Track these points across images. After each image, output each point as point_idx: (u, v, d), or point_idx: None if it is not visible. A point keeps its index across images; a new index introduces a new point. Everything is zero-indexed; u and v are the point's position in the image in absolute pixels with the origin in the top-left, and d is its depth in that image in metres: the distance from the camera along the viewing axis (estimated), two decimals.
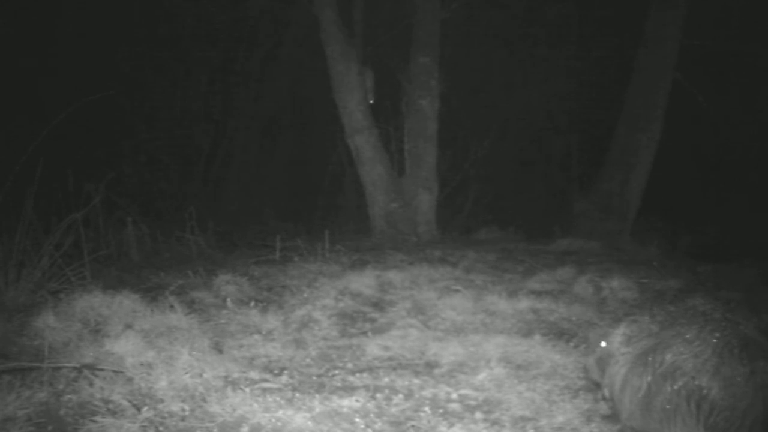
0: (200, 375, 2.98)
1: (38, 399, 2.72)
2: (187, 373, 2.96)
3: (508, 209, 10.30)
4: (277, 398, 2.83)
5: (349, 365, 3.36)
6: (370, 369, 3.28)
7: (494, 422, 2.68)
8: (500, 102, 10.78)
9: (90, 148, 8.21)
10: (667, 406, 2.22)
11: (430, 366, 3.33)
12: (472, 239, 7.99)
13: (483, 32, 10.35)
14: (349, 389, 3.00)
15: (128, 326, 3.54)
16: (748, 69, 8.59)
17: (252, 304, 4.34)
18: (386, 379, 3.13)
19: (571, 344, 3.62)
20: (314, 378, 3.15)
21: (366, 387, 3.02)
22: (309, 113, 11.38)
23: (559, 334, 3.84)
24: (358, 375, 3.19)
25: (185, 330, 3.55)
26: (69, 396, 2.77)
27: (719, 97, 8.05)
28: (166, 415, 2.63)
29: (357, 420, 2.68)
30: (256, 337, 3.71)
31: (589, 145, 9.90)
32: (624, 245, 7.18)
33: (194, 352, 3.17)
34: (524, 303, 4.33)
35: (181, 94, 10.45)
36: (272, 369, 3.26)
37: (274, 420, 2.63)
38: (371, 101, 7.73)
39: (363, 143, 7.56)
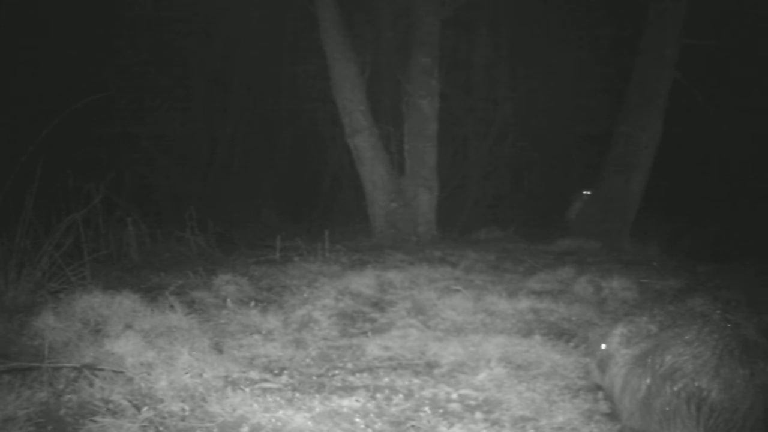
0: (200, 375, 2.98)
1: (38, 399, 2.72)
2: (187, 373, 2.96)
3: (508, 209, 10.31)
4: (277, 398, 2.83)
5: (349, 365, 3.36)
6: (370, 369, 3.28)
7: (494, 422, 2.68)
8: (500, 102, 10.79)
9: (90, 148, 8.21)
10: (667, 408, 2.22)
11: (430, 366, 3.33)
12: (472, 239, 7.99)
13: (483, 32, 10.37)
14: (349, 389, 3.00)
15: (128, 326, 3.54)
16: (748, 68, 8.59)
17: (252, 304, 4.34)
18: (386, 379, 3.13)
19: (571, 344, 3.62)
20: (314, 378, 3.15)
21: (366, 387, 3.02)
22: (309, 113, 11.38)
23: (559, 334, 3.84)
24: (358, 375, 3.20)
25: (185, 330, 3.55)
26: (69, 396, 2.77)
27: (719, 96, 8.05)
28: (166, 415, 2.63)
29: (357, 420, 2.68)
30: (256, 337, 3.71)
31: (589, 145, 9.91)
32: (624, 245, 7.19)
33: (194, 352, 3.16)
34: (524, 303, 4.33)
35: (181, 93, 10.46)
36: (272, 369, 3.26)
37: (274, 420, 2.63)
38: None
39: (363, 143, 7.57)
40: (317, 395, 2.89)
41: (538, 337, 3.69)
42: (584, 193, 8.07)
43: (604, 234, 7.31)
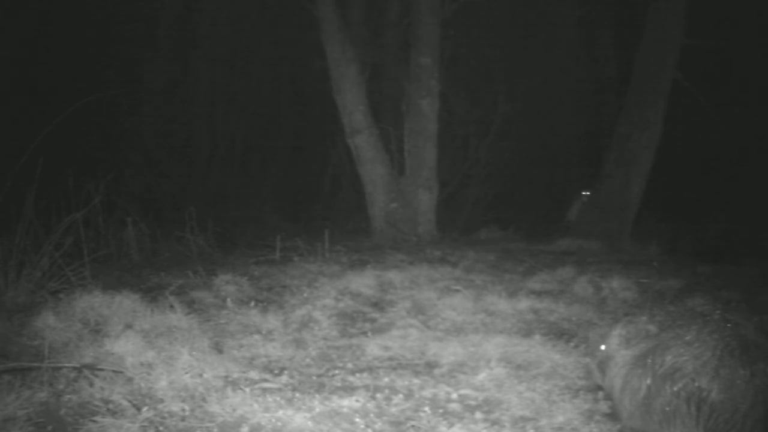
0: (200, 375, 2.98)
1: (38, 399, 2.72)
2: (187, 373, 2.96)
3: (508, 209, 10.31)
4: (277, 398, 2.83)
5: (349, 365, 3.36)
6: (370, 369, 3.28)
7: (494, 422, 2.68)
8: (500, 102, 10.79)
9: (90, 148, 8.21)
10: (667, 408, 2.22)
11: (430, 366, 3.33)
12: (472, 239, 7.99)
13: (483, 32, 10.36)
14: (349, 389, 3.00)
15: (128, 326, 3.54)
16: (748, 69, 8.60)
17: (252, 304, 4.34)
18: (386, 379, 3.13)
19: (571, 344, 3.62)
20: (314, 378, 3.15)
21: (366, 387, 3.02)
22: (309, 113, 11.38)
23: (559, 334, 3.84)
24: (358, 375, 3.20)
25: (185, 330, 3.55)
26: (69, 396, 2.77)
27: (719, 97, 8.05)
28: (166, 415, 2.63)
29: (357, 420, 2.68)
30: (256, 337, 3.71)
31: (589, 145, 9.91)
32: (624, 245, 7.19)
33: (194, 352, 3.16)
34: (524, 303, 4.33)
35: (181, 93, 10.46)
36: (272, 369, 3.26)
37: (274, 420, 2.63)
38: None
39: (363, 143, 7.57)
40: (317, 395, 2.89)
41: (538, 337, 3.69)
42: (584, 193, 8.07)
43: (604, 234, 7.31)
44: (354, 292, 4.64)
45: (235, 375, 3.09)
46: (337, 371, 3.26)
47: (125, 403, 2.69)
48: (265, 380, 3.07)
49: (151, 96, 10.08)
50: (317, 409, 2.74)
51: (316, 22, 7.56)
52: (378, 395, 2.92)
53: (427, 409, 2.80)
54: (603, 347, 2.69)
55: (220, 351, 3.41)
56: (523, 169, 11.35)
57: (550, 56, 10.92)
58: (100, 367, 2.95)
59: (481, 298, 4.41)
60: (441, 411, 2.79)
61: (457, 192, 10.17)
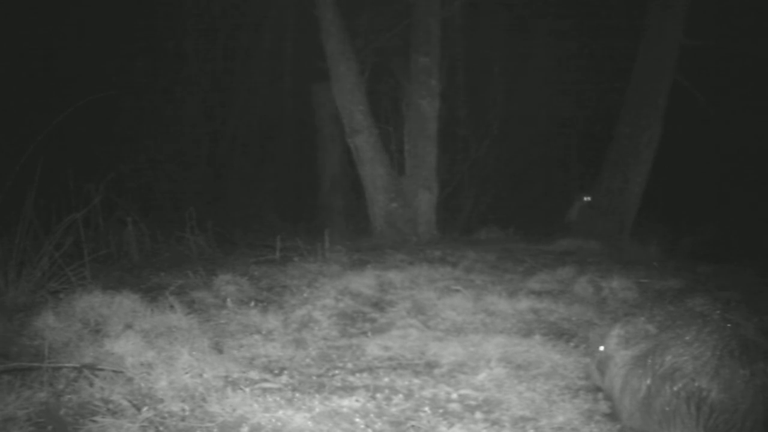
0: (200, 375, 2.98)
1: (38, 399, 2.72)
2: (187, 373, 2.96)
3: (508, 209, 10.32)
4: (277, 398, 2.83)
5: (349, 365, 3.36)
6: (370, 369, 3.28)
7: (494, 422, 2.68)
8: (500, 102, 10.79)
9: (90, 148, 8.22)
10: (667, 408, 2.23)
11: (430, 366, 3.33)
12: (472, 239, 7.99)
13: (483, 32, 10.37)
14: (349, 389, 3.00)
15: (128, 326, 3.54)
16: (748, 69, 8.60)
17: (252, 304, 4.34)
18: (386, 379, 3.13)
19: (571, 344, 3.62)
20: (314, 378, 3.15)
21: (366, 387, 3.02)
22: (309, 113, 11.37)
23: (559, 334, 3.84)
24: (358, 375, 3.20)
25: (185, 330, 3.55)
26: (69, 396, 2.77)
27: (719, 97, 8.05)
28: (166, 415, 2.63)
29: (357, 420, 2.68)
30: (256, 337, 3.71)
31: (589, 145, 9.91)
32: (624, 245, 7.19)
33: (194, 352, 3.16)
34: (524, 303, 4.33)
35: (181, 93, 10.46)
36: (272, 369, 3.26)
37: (274, 420, 2.63)
38: None
39: (363, 143, 7.57)
40: (317, 395, 2.89)
41: (538, 337, 3.70)
42: (585, 198, 8.08)
43: (604, 234, 7.31)
44: (354, 292, 4.64)
45: (235, 375, 3.09)
46: (337, 371, 3.26)
47: (125, 403, 2.69)
48: (265, 380, 3.07)
49: (152, 96, 10.08)
50: (317, 409, 2.74)
51: (317, 22, 7.57)
52: (378, 395, 2.92)
53: (427, 409, 2.80)
54: (602, 348, 2.69)
55: (220, 351, 3.41)
56: (523, 170, 11.36)
57: (550, 55, 10.92)
58: (100, 367, 2.95)
59: (481, 298, 4.41)
60: (441, 411, 2.79)
61: (457, 192, 10.18)
